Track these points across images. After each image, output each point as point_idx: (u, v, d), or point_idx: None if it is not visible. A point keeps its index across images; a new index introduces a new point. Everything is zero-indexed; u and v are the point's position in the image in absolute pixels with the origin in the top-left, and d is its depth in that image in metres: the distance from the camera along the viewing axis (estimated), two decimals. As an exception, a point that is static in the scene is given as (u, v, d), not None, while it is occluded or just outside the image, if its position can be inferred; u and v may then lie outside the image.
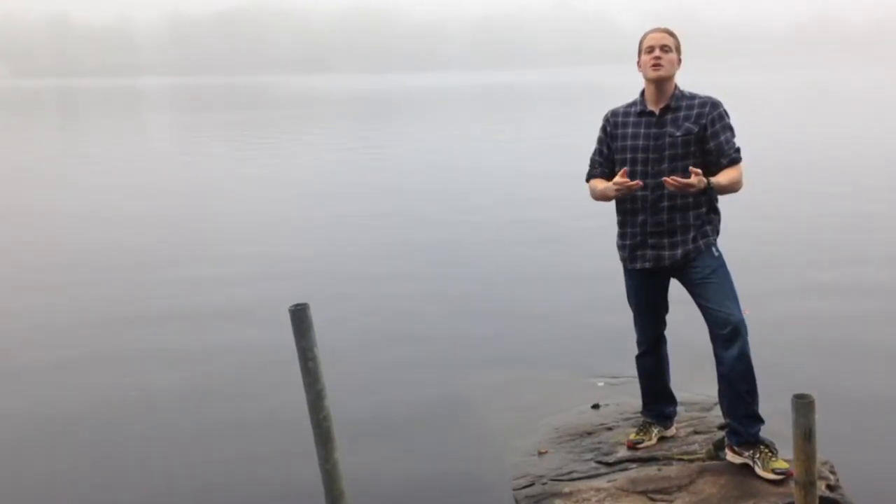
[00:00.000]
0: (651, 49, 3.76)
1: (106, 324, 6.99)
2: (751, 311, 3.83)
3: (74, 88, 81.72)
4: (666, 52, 3.75)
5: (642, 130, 3.81)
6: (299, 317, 2.75)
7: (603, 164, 3.92)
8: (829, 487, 3.57)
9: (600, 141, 3.94)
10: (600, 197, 3.91)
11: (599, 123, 3.97)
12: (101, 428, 4.91)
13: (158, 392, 5.47)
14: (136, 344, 6.47)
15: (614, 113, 3.93)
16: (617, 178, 3.73)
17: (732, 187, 3.73)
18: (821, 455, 3.23)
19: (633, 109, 3.88)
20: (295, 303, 2.78)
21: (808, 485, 2.52)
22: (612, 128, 3.89)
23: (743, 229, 9.05)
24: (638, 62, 3.85)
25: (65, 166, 19.00)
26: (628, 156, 3.82)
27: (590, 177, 3.97)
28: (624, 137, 3.85)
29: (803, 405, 2.48)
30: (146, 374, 5.83)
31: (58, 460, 4.52)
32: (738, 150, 3.76)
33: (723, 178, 3.69)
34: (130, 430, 4.88)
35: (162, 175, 16.87)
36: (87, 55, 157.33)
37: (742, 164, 3.75)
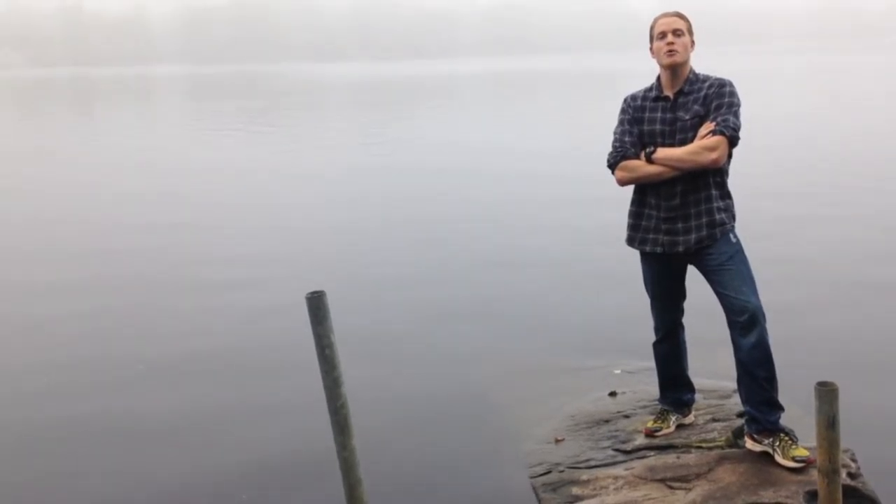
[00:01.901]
0: (663, 35, 3.71)
1: (125, 293, 7.13)
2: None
3: (89, 77, 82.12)
4: (678, 36, 3.71)
5: (658, 115, 3.79)
6: (316, 304, 2.73)
7: (636, 145, 3.80)
8: (850, 475, 3.53)
9: (628, 122, 3.84)
10: (643, 177, 3.77)
11: (619, 107, 3.92)
12: (110, 407, 4.94)
13: (171, 370, 5.53)
14: (151, 318, 6.58)
15: (634, 97, 3.89)
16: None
17: (688, 159, 3.62)
18: (841, 443, 3.20)
19: (650, 94, 3.85)
20: (312, 290, 2.77)
21: (831, 473, 2.49)
22: (634, 111, 3.85)
23: (761, 214, 8.98)
24: (651, 48, 3.80)
25: (82, 151, 19.09)
26: (646, 140, 3.79)
27: (622, 158, 3.80)
28: (641, 122, 3.82)
29: (826, 393, 2.45)
30: (159, 348, 5.91)
31: (68, 445, 4.56)
32: (725, 123, 3.59)
33: (677, 149, 3.64)
34: (141, 410, 4.91)
35: (181, 160, 16.94)
36: (100, 44, 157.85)
37: (723, 140, 3.57)
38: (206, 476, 4.19)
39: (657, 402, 4.29)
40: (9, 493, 4.10)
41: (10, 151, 19.76)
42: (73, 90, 57.73)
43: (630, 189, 3.92)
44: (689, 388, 4.22)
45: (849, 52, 74.76)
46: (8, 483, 4.19)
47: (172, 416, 4.89)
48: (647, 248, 3.87)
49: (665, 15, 3.81)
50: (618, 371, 5.14)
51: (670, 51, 3.70)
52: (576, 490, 3.68)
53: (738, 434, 3.91)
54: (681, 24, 3.74)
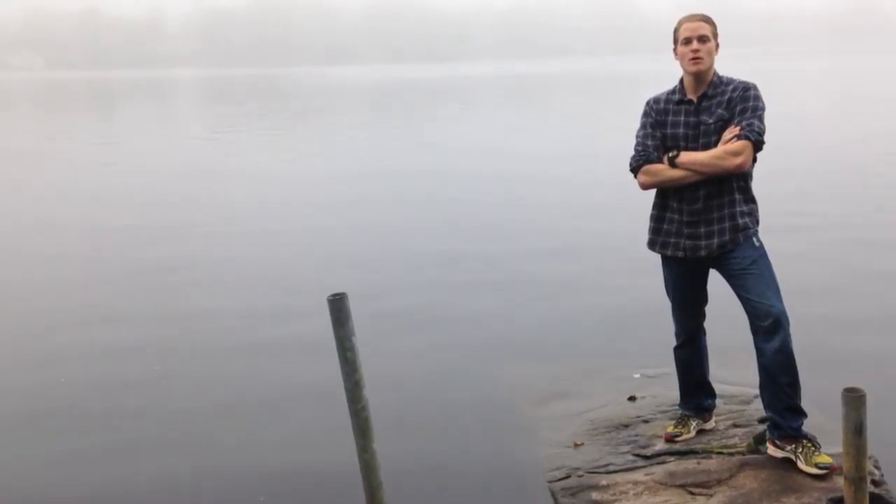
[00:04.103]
0: (688, 41, 3.67)
1: (145, 297, 7.23)
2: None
3: (107, 80, 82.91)
4: (704, 42, 3.66)
5: (682, 118, 3.76)
6: (337, 307, 2.73)
7: (659, 149, 3.77)
8: (875, 482, 3.49)
9: (651, 126, 3.80)
10: (666, 181, 3.74)
11: (641, 110, 3.90)
12: (133, 410, 4.97)
13: (189, 374, 5.55)
14: (166, 319, 6.63)
15: (656, 100, 3.86)
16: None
17: (712, 163, 3.59)
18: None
19: (673, 97, 3.81)
20: (333, 292, 2.77)
21: (858, 480, 2.46)
22: (657, 115, 3.82)
23: (784, 217, 8.92)
24: (674, 50, 3.76)
25: (96, 155, 19.24)
26: (669, 143, 3.76)
27: (644, 162, 3.78)
28: (664, 125, 3.79)
29: (854, 399, 2.42)
30: (180, 354, 5.93)
31: (99, 443, 4.58)
32: (750, 127, 3.56)
33: (701, 154, 3.61)
34: (156, 411, 4.93)
35: (201, 165, 17.03)
36: (118, 47, 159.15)
37: (748, 144, 3.54)
38: (222, 478, 4.19)
39: (677, 407, 4.25)
40: (25, 494, 4.13)
41: (47, 157, 19.87)
42: (94, 93, 58.23)
43: (652, 192, 3.90)
44: (710, 393, 4.18)
45: (871, 54, 74.14)
46: (24, 485, 4.22)
47: (190, 416, 4.91)
48: (669, 252, 3.84)
49: (690, 18, 3.75)
50: (637, 375, 5.10)
51: (694, 58, 3.65)
52: (595, 495, 3.66)
53: (759, 440, 3.87)
54: (706, 29, 3.69)
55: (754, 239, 3.75)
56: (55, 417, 4.95)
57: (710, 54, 3.70)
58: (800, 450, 3.63)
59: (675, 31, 3.77)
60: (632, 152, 3.85)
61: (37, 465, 4.38)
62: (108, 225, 10.85)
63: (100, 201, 12.75)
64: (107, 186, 14.33)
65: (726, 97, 3.68)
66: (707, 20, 3.74)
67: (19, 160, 18.92)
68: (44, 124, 31.93)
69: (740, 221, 3.71)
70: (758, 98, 3.66)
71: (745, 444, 3.92)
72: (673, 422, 4.17)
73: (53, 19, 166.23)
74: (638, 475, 3.78)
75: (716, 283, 3.90)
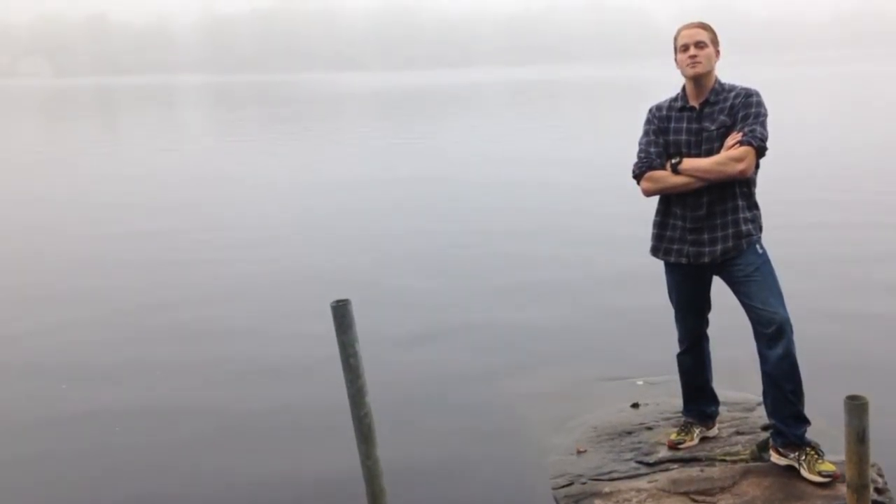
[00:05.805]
0: (686, 47, 3.70)
1: (155, 304, 7.20)
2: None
3: (116, 86, 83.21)
4: (701, 48, 3.69)
5: (684, 125, 3.77)
6: (341, 313, 2.74)
7: (662, 156, 3.78)
8: (878, 490, 3.49)
9: (654, 133, 3.82)
10: (669, 188, 3.74)
11: (644, 118, 3.91)
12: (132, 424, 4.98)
13: (192, 381, 5.56)
14: (175, 322, 6.64)
15: (658, 108, 3.87)
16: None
17: (715, 169, 3.59)
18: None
19: (675, 104, 3.83)
20: (336, 298, 2.78)
21: (860, 488, 2.46)
22: (659, 122, 3.84)
23: (787, 223, 8.90)
24: (675, 59, 3.79)
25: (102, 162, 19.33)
26: (671, 150, 3.77)
27: (647, 168, 3.78)
28: (667, 132, 3.80)
29: (856, 407, 2.42)
30: (181, 361, 5.93)
31: (103, 456, 4.59)
32: (752, 133, 3.56)
33: (703, 160, 3.62)
34: (170, 420, 4.94)
35: (207, 171, 17.08)
36: (126, 54, 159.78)
37: (751, 150, 3.53)
38: (224, 485, 4.20)
39: (681, 414, 4.25)
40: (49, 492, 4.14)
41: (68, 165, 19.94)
42: (103, 100, 58.45)
43: (655, 199, 3.90)
44: (714, 399, 4.18)
45: (879, 59, 73.94)
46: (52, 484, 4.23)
47: (190, 419, 4.93)
48: (672, 259, 3.85)
49: (687, 26, 3.79)
50: (641, 382, 5.11)
51: (693, 63, 3.68)
52: (598, 502, 3.66)
53: (763, 447, 3.87)
54: (703, 35, 3.72)
55: (757, 246, 3.75)
56: (57, 429, 4.96)
57: (709, 59, 3.71)
58: (803, 457, 3.62)
59: (675, 39, 3.80)
60: (635, 159, 3.86)
61: (39, 482, 4.39)
62: (112, 230, 10.89)
63: (105, 207, 12.77)
64: (112, 192, 14.36)
65: (728, 103, 3.69)
66: (704, 27, 3.77)
67: (25, 167, 18.98)
68: (51, 130, 32.04)
69: (743, 228, 3.71)
70: (760, 104, 3.67)
71: (748, 452, 3.92)
72: (676, 429, 4.17)
73: (61, 26, 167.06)
74: (641, 482, 3.78)
75: (719, 289, 3.90)
